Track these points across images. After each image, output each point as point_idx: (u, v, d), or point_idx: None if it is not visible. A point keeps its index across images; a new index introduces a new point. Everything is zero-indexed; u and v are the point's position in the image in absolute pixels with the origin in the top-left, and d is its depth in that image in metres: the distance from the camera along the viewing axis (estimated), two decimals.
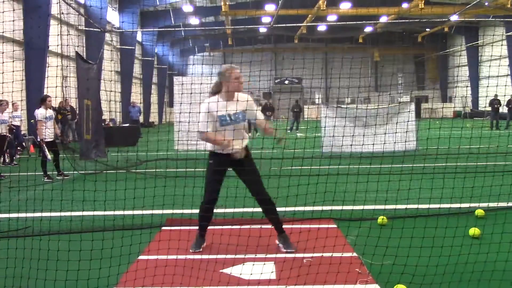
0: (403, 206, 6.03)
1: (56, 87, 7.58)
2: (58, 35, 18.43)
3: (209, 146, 4.71)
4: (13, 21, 15.91)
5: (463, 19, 32.99)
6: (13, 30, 17.14)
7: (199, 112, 4.61)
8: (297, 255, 4.52)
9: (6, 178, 9.95)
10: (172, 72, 39.36)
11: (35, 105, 16.29)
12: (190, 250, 4.71)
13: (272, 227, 4.80)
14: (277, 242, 4.79)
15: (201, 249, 4.75)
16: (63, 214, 5.81)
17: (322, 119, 13.19)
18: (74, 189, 6.35)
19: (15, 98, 13.85)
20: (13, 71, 6.42)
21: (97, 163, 10.89)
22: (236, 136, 4.55)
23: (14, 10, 17.20)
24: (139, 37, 36.15)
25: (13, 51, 17.53)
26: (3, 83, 6.26)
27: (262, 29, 40.20)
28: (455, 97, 44.20)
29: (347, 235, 5.03)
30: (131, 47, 32.27)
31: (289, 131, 24.09)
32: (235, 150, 4.51)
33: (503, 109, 25.04)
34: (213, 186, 4.64)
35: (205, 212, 4.71)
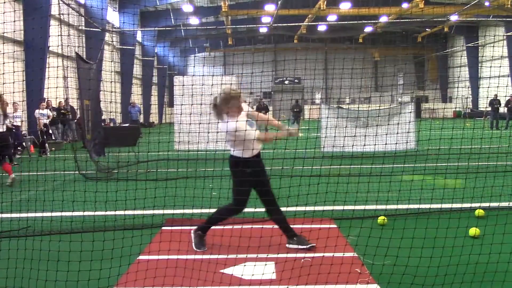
0: (405, 206, 6.03)
1: (57, 87, 7.54)
2: (58, 35, 18.42)
3: (238, 153, 4.66)
4: (14, 22, 15.89)
5: (463, 19, 32.98)
6: (14, 31, 17.12)
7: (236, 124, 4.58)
8: (298, 255, 4.51)
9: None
10: (172, 72, 39.36)
11: (34, 106, 16.34)
12: (198, 250, 4.72)
13: (280, 232, 4.85)
14: (287, 245, 4.78)
15: (206, 248, 4.78)
16: (64, 214, 5.80)
17: (322, 119, 13.18)
18: (75, 189, 6.34)
19: (15, 98, 13.83)
20: (8, 73, 6.41)
21: (95, 164, 10.86)
22: (256, 142, 4.60)
23: (14, 10, 17.18)
24: (139, 37, 36.13)
25: (14, 51, 17.52)
26: (4, 84, 6.26)
27: (262, 29, 40.20)
28: (456, 98, 44.18)
29: (348, 235, 5.02)
30: (131, 47, 32.26)
31: None
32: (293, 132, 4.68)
33: (503, 109, 25.04)
34: (246, 193, 4.67)
35: (225, 216, 4.81)
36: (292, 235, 4.77)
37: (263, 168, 4.79)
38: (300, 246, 4.71)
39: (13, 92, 9.41)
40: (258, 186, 4.70)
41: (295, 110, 25.37)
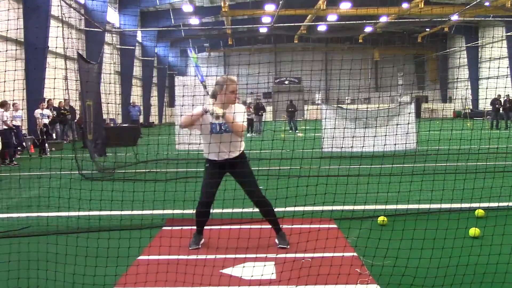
0: (404, 207, 6.02)
1: (54, 88, 7.52)
2: (57, 37, 18.41)
3: (204, 154, 4.80)
4: (8, 20, 15.86)
5: (463, 19, 32.97)
6: (7, 30, 17.07)
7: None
8: (298, 255, 4.51)
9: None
10: (172, 72, 39.35)
11: (35, 105, 16.32)
12: (189, 248, 4.75)
13: (271, 227, 4.88)
14: (276, 241, 4.86)
15: (199, 246, 4.81)
16: (61, 214, 5.80)
17: (322, 119, 13.19)
18: (72, 188, 6.33)
19: (15, 98, 13.82)
20: (7, 71, 6.42)
21: (95, 164, 10.85)
22: (226, 144, 4.63)
23: (13, 9, 17.17)
24: (139, 37, 36.12)
25: (7, 50, 17.47)
26: (4, 81, 6.25)
27: (262, 29, 40.18)
28: (455, 98, 44.18)
29: (347, 236, 5.02)
30: (131, 47, 32.24)
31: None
32: (215, 114, 4.46)
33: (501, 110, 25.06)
34: (208, 189, 4.73)
35: (200, 215, 4.80)
36: (278, 229, 4.86)
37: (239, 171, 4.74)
38: (278, 244, 4.79)
39: (6, 91, 9.38)
40: (242, 186, 4.77)
41: (289, 109, 25.43)
